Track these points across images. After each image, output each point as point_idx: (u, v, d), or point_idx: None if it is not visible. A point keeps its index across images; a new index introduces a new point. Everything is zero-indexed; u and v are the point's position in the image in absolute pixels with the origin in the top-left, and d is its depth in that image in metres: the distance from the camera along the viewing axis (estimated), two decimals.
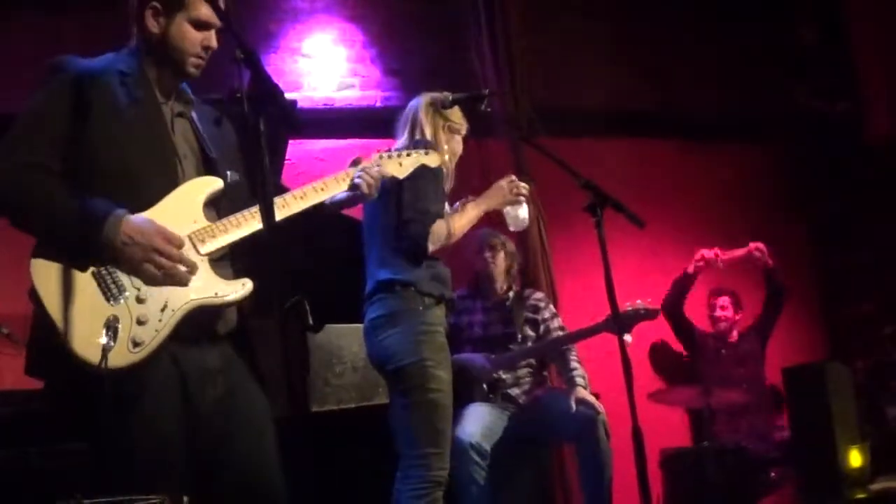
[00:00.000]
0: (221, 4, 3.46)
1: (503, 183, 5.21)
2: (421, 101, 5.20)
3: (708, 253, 8.09)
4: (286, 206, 3.58)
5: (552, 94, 8.84)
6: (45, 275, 3.20)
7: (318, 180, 3.75)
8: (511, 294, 6.75)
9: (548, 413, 6.30)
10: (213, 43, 3.55)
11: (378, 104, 8.09)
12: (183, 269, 3.32)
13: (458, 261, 5.07)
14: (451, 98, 5.09)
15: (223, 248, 3.46)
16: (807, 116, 9.80)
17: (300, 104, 7.51)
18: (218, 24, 3.53)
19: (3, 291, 6.91)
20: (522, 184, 5.25)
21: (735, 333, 8.31)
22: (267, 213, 2.91)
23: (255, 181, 3.05)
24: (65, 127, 3.33)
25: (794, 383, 6.97)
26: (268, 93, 2.91)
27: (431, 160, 4.52)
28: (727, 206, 9.47)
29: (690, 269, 8.17)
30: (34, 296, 3.19)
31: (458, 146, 5.26)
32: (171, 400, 3.29)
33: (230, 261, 3.53)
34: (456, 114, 5.21)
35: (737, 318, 8.36)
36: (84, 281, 3.21)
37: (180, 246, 3.34)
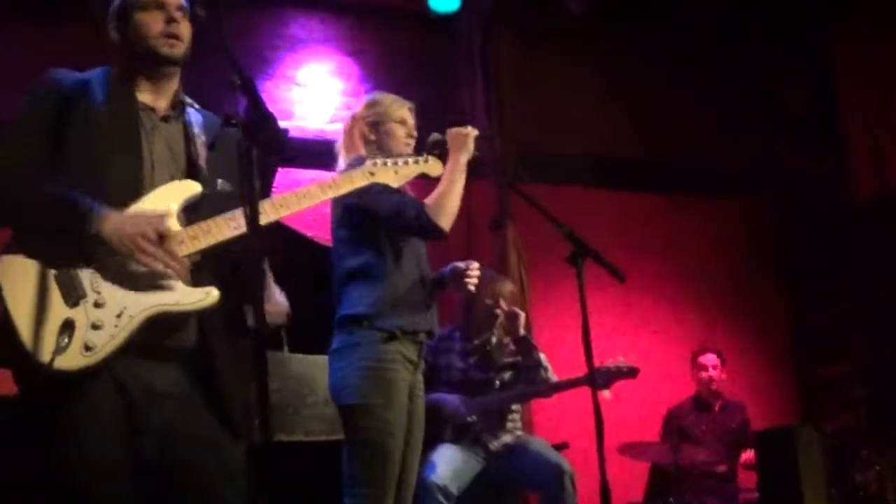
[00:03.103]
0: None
1: (455, 132, 4.78)
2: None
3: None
4: (264, 214, 3.39)
5: (540, 141, 8.90)
6: (10, 273, 3.19)
7: (300, 187, 3.60)
8: (493, 339, 6.68)
9: (517, 461, 6.29)
10: (175, 15, 3.50)
11: None
12: (172, 262, 3.27)
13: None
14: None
15: (193, 254, 3.37)
16: (792, 174, 9.86)
17: (291, 133, 7.51)
18: (175, 1, 3.51)
19: None
20: (468, 127, 4.86)
21: (719, 402, 8.26)
22: (254, 242, 2.90)
23: (243, 205, 3.00)
24: (46, 134, 3.36)
25: (765, 446, 6.97)
26: (261, 120, 2.90)
27: (433, 168, 4.27)
28: (709, 261, 9.54)
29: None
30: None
31: (396, 138, 4.90)
32: (112, 425, 3.23)
33: (201, 271, 3.43)
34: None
35: (723, 377, 8.31)
36: (46, 282, 3.18)
37: (165, 236, 3.27)
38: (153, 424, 3.31)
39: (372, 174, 3.90)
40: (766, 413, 8.77)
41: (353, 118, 4.97)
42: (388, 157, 4.52)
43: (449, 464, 6.07)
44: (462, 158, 4.72)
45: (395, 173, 3.99)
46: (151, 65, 3.55)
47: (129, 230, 3.23)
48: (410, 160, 4.10)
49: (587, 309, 4.51)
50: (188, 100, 3.67)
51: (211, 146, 3.56)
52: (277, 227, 5.25)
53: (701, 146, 9.74)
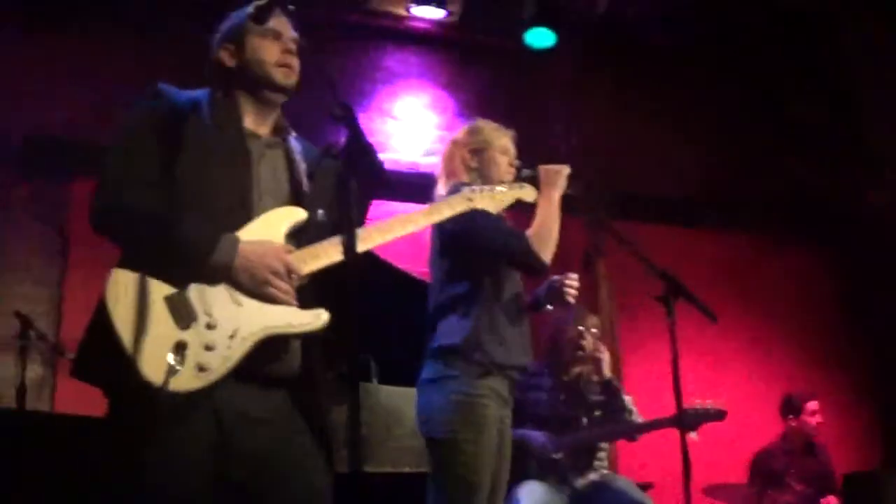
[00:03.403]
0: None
1: (549, 168, 4.76)
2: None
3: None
4: (368, 239, 3.44)
5: (631, 180, 8.88)
6: (120, 290, 3.16)
7: (402, 214, 3.59)
8: (583, 376, 6.64)
9: (602, 499, 6.24)
10: (290, 46, 3.54)
11: None
12: (293, 295, 3.28)
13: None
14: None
15: (302, 278, 3.36)
16: (880, 221, 9.74)
17: (385, 165, 7.56)
18: (290, 34, 3.55)
19: (74, 319, 7.05)
20: (558, 165, 4.82)
21: (808, 445, 8.15)
22: (351, 273, 2.91)
23: (342, 233, 3.01)
24: (157, 149, 3.34)
25: (853, 489, 6.90)
26: (362, 151, 2.92)
27: (528, 194, 4.24)
28: (794, 303, 9.47)
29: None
30: (102, 308, 3.14)
31: (498, 165, 4.84)
32: (200, 444, 3.19)
33: (306, 294, 3.40)
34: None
35: (821, 421, 8.21)
36: (157, 304, 3.15)
37: (295, 272, 3.30)
38: (245, 449, 3.27)
39: (471, 199, 3.92)
40: (849, 457, 8.65)
41: (455, 143, 4.92)
42: (489, 184, 4.57)
43: (534, 500, 6.03)
44: (555, 195, 4.69)
45: (492, 199, 4.01)
46: (263, 91, 3.57)
47: (259, 264, 3.25)
48: (506, 187, 4.13)
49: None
50: (287, 125, 3.69)
51: (310, 175, 3.59)
52: (370, 259, 5.32)
53: (785, 188, 9.68)
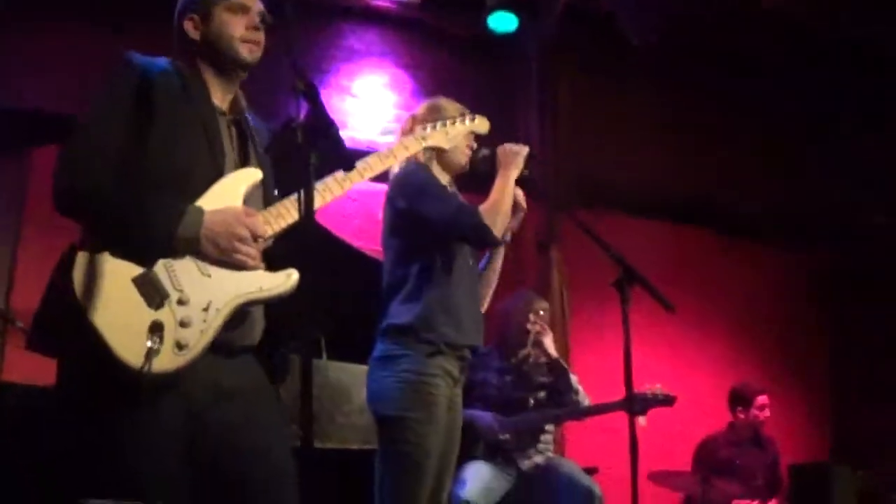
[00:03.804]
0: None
1: (507, 148, 4.71)
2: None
3: None
4: (326, 191, 3.45)
5: (593, 169, 8.90)
6: (87, 274, 3.10)
7: (361, 161, 3.61)
8: (531, 359, 6.70)
9: (547, 482, 6.28)
10: (257, 22, 3.48)
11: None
12: (259, 259, 3.28)
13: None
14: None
15: (267, 240, 3.37)
16: (847, 226, 9.82)
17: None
18: (258, 7, 3.50)
19: (26, 289, 7.02)
20: (517, 145, 4.78)
21: (755, 437, 8.22)
22: (308, 244, 2.93)
23: (300, 202, 2.99)
24: (127, 121, 3.29)
25: (801, 481, 6.96)
26: (324, 126, 2.93)
27: (480, 126, 4.32)
28: (752, 301, 9.53)
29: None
30: (61, 284, 3.10)
31: (459, 150, 4.79)
32: (173, 417, 3.15)
33: (273, 255, 3.40)
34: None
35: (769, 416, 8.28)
36: (126, 287, 3.11)
37: (261, 236, 3.30)
38: (218, 422, 3.24)
39: (424, 138, 4.03)
40: (796, 451, 8.73)
41: (414, 118, 4.85)
42: (447, 165, 4.61)
43: (479, 481, 6.08)
44: (511, 174, 4.66)
45: (445, 134, 4.12)
46: (227, 66, 3.54)
47: (224, 232, 3.24)
48: (458, 120, 4.21)
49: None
50: (244, 103, 3.67)
51: (267, 149, 3.59)
52: (323, 237, 5.30)
53: (757, 190, 9.75)
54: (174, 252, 3.20)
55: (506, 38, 8.65)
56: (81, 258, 3.12)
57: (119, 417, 3.09)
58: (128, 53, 3.45)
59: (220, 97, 3.57)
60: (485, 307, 4.98)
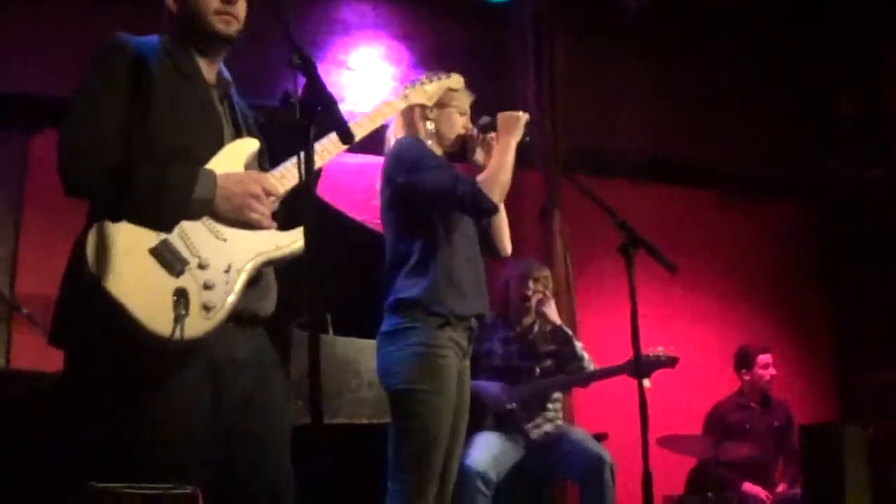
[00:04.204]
0: None
1: (507, 115, 4.73)
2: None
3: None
4: (328, 150, 3.50)
5: (591, 133, 8.88)
6: (102, 254, 3.09)
7: (352, 121, 3.62)
8: (536, 327, 6.72)
9: (557, 450, 6.30)
10: None
11: None
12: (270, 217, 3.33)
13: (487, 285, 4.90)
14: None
15: (276, 200, 3.43)
16: (841, 182, 9.81)
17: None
18: None
19: (24, 273, 7.01)
20: (517, 112, 4.79)
21: (765, 399, 8.24)
22: (309, 220, 2.93)
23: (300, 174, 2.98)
24: (124, 101, 3.30)
25: (811, 441, 6.95)
26: (322, 101, 2.92)
27: (455, 82, 4.46)
28: (753, 260, 9.53)
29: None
30: (86, 272, 3.08)
31: (453, 124, 4.83)
32: (199, 392, 3.22)
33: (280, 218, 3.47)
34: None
35: (775, 374, 8.28)
36: (145, 258, 3.12)
37: (273, 192, 3.36)
38: (233, 393, 3.31)
39: (406, 97, 4.17)
40: (804, 412, 8.72)
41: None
42: (442, 139, 4.65)
43: (489, 451, 6.09)
44: (512, 141, 4.65)
45: (424, 92, 4.30)
46: (205, 40, 3.52)
47: (238, 191, 3.28)
48: (434, 77, 4.39)
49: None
50: (228, 76, 3.67)
51: (262, 126, 3.60)
52: (324, 210, 5.29)
53: (749, 148, 9.73)
54: (190, 215, 3.23)
55: (500, 5, 8.61)
56: (92, 237, 3.11)
57: (147, 393, 3.13)
58: (116, 34, 3.45)
59: (207, 71, 3.56)
60: (508, 249, 4.99)
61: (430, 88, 4.29)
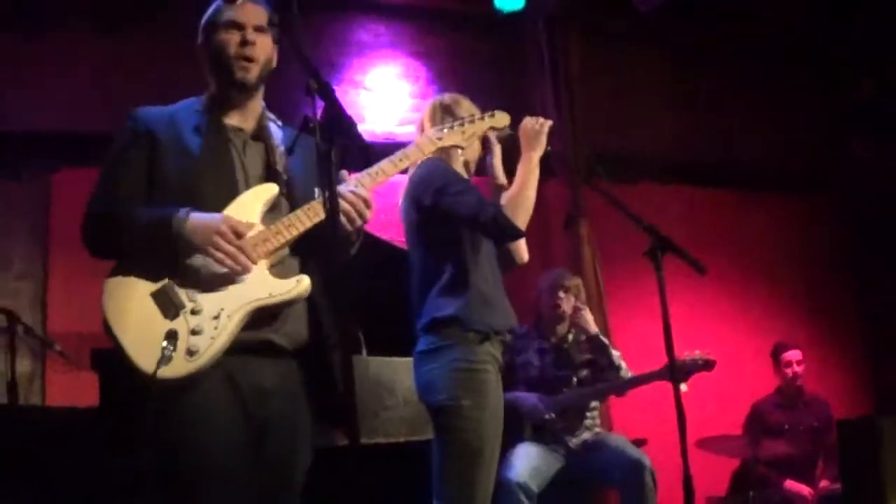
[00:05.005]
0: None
1: (529, 126, 4.67)
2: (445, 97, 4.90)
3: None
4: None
5: (611, 138, 8.86)
6: (113, 296, 3.34)
7: (372, 167, 3.65)
8: (570, 336, 6.71)
9: (596, 457, 6.29)
10: (251, 38, 3.53)
11: None
12: (243, 258, 3.34)
13: (518, 297, 4.89)
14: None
15: (281, 250, 3.46)
16: (863, 171, 9.77)
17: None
18: (253, 21, 3.55)
19: (59, 312, 7.04)
20: (540, 118, 4.74)
21: (802, 397, 8.22)
22: (334, 242, 2.99)
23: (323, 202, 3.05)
24: (140, 174, 3.48)
25: (848, 436, 6.91)
26: (341, 124, 2.94)
27: (500, 120, 4.27)
28: (781, 257, 9.49)
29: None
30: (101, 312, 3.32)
31: (475, 152, 4.82)
32: (228, 420, 3.32)
33: (292, 267, 3.52)
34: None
35: (805, 372, 8.25)
36: (145, 302, 3.32)
37: (242, 233, 3.37)
38: (258, 415, 3.40)
39: (439, 139, 3.97)
40: (840, 407, 8.67)
41: (429, 118, 4.84)
42: (469, 169, 4.65)
43: (529, 462, 6.08)
44: (535, 156, 4.63)
45: (462, 133, 4.05)
46: (228, 85, 3.59)
47: (203, 227, 3.33)
48: (476, 117, 4.15)
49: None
50: (270, 116, 3.72)
51: (290, 151, 3.58)
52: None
53: (773, 143, 9.71)
54: (177, 254, 3.35)
55: (513, 16, 8.60)
56: (107, 286, 3.37)
57: (168, 408, 3.26)
58: (133, 110, 3.59)
59: (241, 118, 3.64)
60: (525, 257, 4.97)
61: (470, 130, 4.07)
